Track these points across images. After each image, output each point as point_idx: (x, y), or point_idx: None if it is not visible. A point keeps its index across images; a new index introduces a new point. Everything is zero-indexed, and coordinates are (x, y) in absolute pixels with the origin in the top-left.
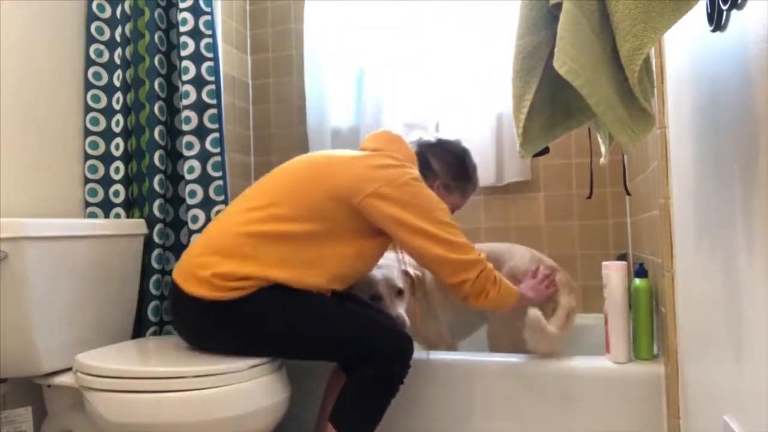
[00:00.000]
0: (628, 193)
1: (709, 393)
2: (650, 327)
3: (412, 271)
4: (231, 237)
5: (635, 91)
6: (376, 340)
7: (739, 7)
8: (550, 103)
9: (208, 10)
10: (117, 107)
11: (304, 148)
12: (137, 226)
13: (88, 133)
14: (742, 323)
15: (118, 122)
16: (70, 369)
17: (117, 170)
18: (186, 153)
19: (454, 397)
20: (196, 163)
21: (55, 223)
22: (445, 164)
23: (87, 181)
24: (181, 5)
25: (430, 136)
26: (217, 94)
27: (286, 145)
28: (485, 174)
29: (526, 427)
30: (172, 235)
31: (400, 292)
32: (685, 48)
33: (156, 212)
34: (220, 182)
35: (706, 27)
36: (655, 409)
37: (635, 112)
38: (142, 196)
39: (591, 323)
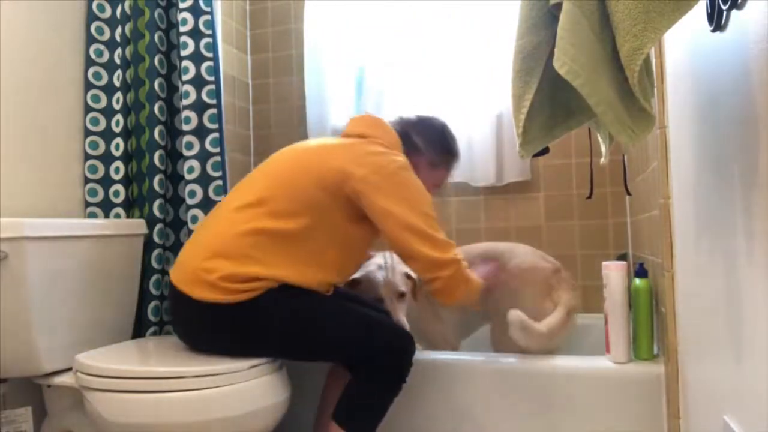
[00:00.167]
0: (629, 193)
1: (709, 393)
2: (650, 327)
3: (414, 273)
4: (232, 238)
5: (635, 91)
6: (379, 339)
7: (739, 7)
8: (550, 103)
9: (208, 10)
10: (117, 107)
11: None
12: (137, 226)
13: (88, 133)
14: (742, 323)
15: (118, 122)
16: (70, 369)
17: (117, 170)
18: (186, 153)
19: (455, 397)
20: (196, 163)
21: (55, 223)
22: (429, 140)
23: (87, 181)
24: (181, 5)
25: (410, 115)
26: (217, 94)
27: (286, 145)
28: (485, 174)
29: (527, 426)
30: (172, 235)
31: (401, 295)
32: (685, 48)
33: (156, 212)
34: (220, 182)
35: (706, 27)
36: (655, 409)
37: (635, 112)
38: (142, 196)
39: (591, 323)
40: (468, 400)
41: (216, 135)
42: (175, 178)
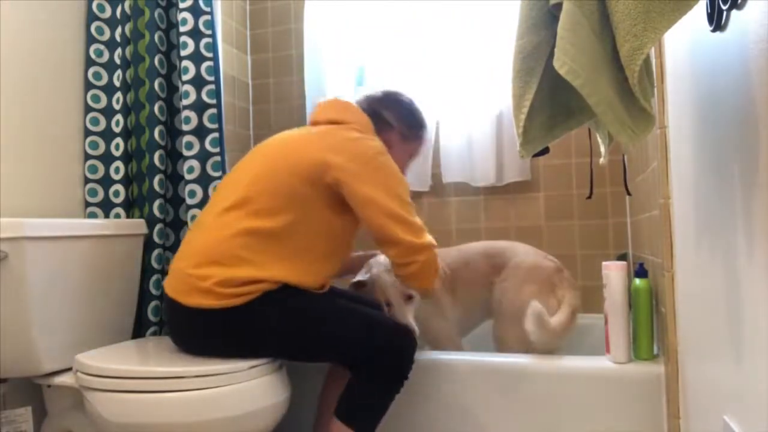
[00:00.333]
0: (629, 193)
1: (709, 393)
2: (650, 327)
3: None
4: (221, 243)
5: (635, 91)
6: (380, 338)
7: (739, 7)
8: (550, 103)
9: (207, 10)
10: (117, 107)
11: None
12: (137, 226)
13: (88, 133)
14: (742, 323)
15: (118, 122)
16: (70, 369)
17: (117, 170)
18: (186, 153)
19: (455, 397)
20: (195, 163)
21: (55, 223)
22: (398, 114)
23: (87, 181)
24: (181, 5)
25: (374, 91)
26: (216, 94)
27: None
28: (485, 174)
29: (526, 426)
30: (172, 235)
31: (410, 298)
32: (685, 48)
33: (156, 212)
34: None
35: (706, 27)
36: (655, 409)
37: (635, 112)
38: (142, 196)
39: (591, 323)
40: (468, 400)
41: (216, 135)
42: (175, 178)
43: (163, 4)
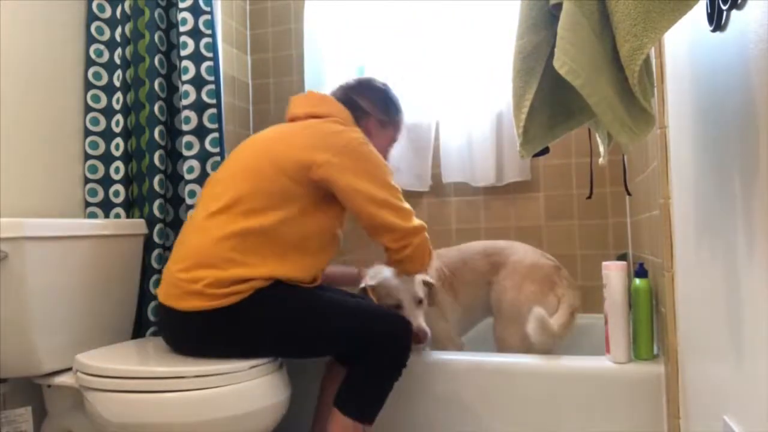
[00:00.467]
0: (629, 193)
1: (709, 393)
2: (650, 327)
3: (430, 279)
4: (210, 247)
5: (635, 91)
6: (376, 327)
7: (739, 7)
8: (550, 103)
9: (207, 9)
10: (117, 107)
11: None
12: (137, 226)
13: (88, 133)
14: (742, 323)
15: (118, 122)
16: (70, 369)
17: (117, 170)
18: (186, 153)
19: (455, 397)
20: (195, 163)
21: (55, 223)
22: (373, 101)
23: (87, 181)
24: (181, 5)
25: (348, 80)
26: (216, 94)
27: None
28: (485, 174)
29: (526, 426)
30: (172, 235)
31: (420, 302)
32: (685, 48)
33: (156, 212)
34: None
35: (706, 27)
36: (655, 409)
37: (635, 112)
38: (142, 196)
39: (591, 323)
40: (468, 400)
41: (216, 135)
42: (175, 178)
43: (163, 4)
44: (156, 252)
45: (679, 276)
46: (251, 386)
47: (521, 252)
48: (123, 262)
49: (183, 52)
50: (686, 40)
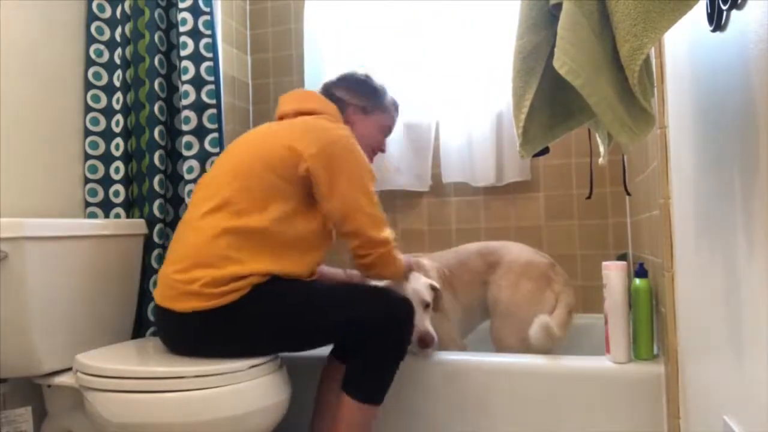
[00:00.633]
0: (628, 193)
1: (709, 393)
2: (650, 327)
3: (436, 283)
4: (205, 246)
5: (635, 91)
6: (374, 311)
7: (739, 7)
8: (550, 103)
9: (207, 10)
10: (117, 107)
11: None
12: (137, 226)
13: (88, 133)
14: (742, 323)
15: (118, 122)
16: (70, 369)
17: (117, 170)
18: (185, 153)
19: (454, 397)
20: (195, 163)
21: (55, 223)
22: (349, 88)
23: (87, 181)
24: (181, 5)
25: (333, 77)
26: (216, 94)
27: None
28: (485, 174)
29: (526, 426)
30: (172, 235)
31: (427, 306)
32: (685, 48)
33: (156, 212)
34: None
35: (706, 27)
36: (655, 409)
37: (635, 112)
38: (142, 196)
39: (591, 323)
40: (468, 400)
41: (215, 135)
42: (175, 178)
43: (163, 4)
44: (156, 252)
45: (679, 276)
46: (251, 386)
47: (516, 251)
48: (123, 262)
49: (183, 52)
50: (686, 40)
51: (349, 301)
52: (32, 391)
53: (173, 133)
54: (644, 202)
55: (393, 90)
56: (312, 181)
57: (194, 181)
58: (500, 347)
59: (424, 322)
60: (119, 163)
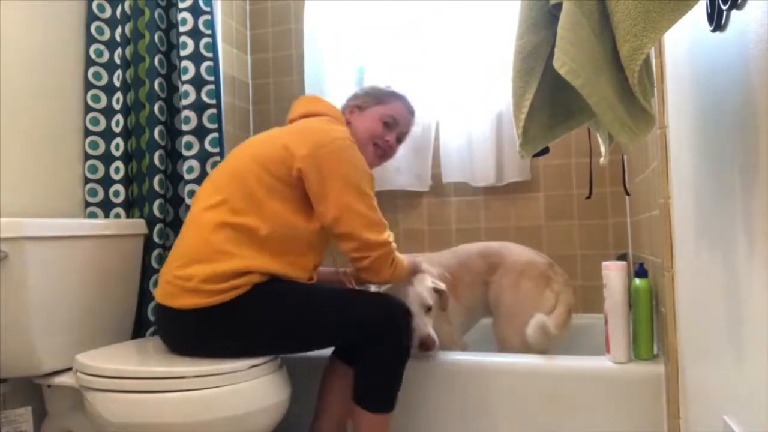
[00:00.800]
0: (628, 193)
1: (709, 393)
2: (650, 327)
3: (441, 285)
4: (203, 240)
5: (635, 91)
6: (375, 312)
7: (739, 7)
8: (550, 103)
9: (207, 9)
10: (117, 107)
11: None
12: (137, 226)
13: (88, 133)
14: (742, 323)
15: (118, 122)
16: (70, 369)
17: (117, 170)
18: (185, 153)
19: (455, 397)
20: (195, 163)
21: (55, 223)
22: (353, 95)
23: (87, 181)
24: (181, 5)
25: None
26: (216, 94)
27: None
28: (485, 174)
29: (526, 426)
30: (172, 235)
31: (429, 309)
32: (685, 48)
33: (156, 212)
34: None
35: (706, 27)
36: (655, 409)
37: (635, 112)
38: (142, 196)
39: (591, 323)
40: (469, 400)
41: (215, 135)
42: (175, 178)
43: (163, 4)
44: (156, 252)
45: (679, 276)
46: (251, 386)
47: (516, 251)
48: (123, 262)
49: (183, 52)
50: (686, 40)
51: (348, 303)
52: (32, 391)
53: (173, 133)
54: (644, 202)
55: (374, 83)
56: (304, 182)
57: (194, 181)
58: (504, 347)
59: (426, 325)
60: (119, 163)
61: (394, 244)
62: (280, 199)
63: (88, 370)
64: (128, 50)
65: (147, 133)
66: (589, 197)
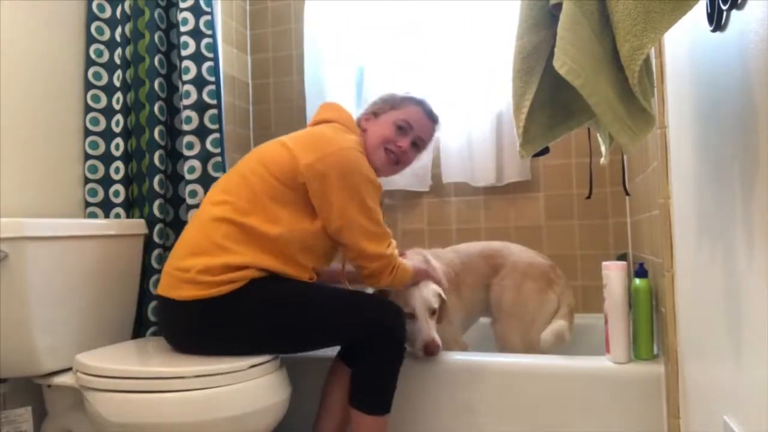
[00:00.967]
0: (627, 193)
1: (709, 393)
2: (650, 327)
3: (443, 293)
4: (203, 233)
5: (635, 91)
6: (371, 315)
7: (739, 7)
8: (550, 103)
9: (208, 10)
10: (117, 107)
11: None
12: (137, 226)
13: (88, 133)
14: (742, 323)
15: (118, 122)
16: (70, 369)
17: (117, 170)
18: (186, 153)
19: (455, 397)
20: (196, 163)
21: (55, 223)
22: (371, 102)
23: (87, 181)
24: (182, 5)
25: None
26: (217, 94)
27: None
28: (485, 174)
29: (526, 426)
30: (172, 235)
31: (433, 312)
32: (685, 48)
33: (156, 212)
34: None
35: (706, 27)
36: (655, 409)
37: (635, 112)
38: (142, 196)
39: (591, 323)
40: (469, 400)
41: (217, 135)
42: (175, 178)
43: (163, 4)
44: (156, 252)
45: (679, 276)
46: (251, 386)
47: (517, 252)
48: (123, 262)
49: (184, 52)
50: (686, 40)
51: (344, 304)
52: (32, 391)
53: (173, 133)
54: (644, 202)
55: (393, 90)
56: (308, 189)
57: (195, 181)
58: (504, 347)
59: (430, 328)
60: (119, 163)
61: (396, 252)
62: (283, 202)
63: (88, 370)
64: (128, 50)
65: (147, 133)
66: (589, 197)
